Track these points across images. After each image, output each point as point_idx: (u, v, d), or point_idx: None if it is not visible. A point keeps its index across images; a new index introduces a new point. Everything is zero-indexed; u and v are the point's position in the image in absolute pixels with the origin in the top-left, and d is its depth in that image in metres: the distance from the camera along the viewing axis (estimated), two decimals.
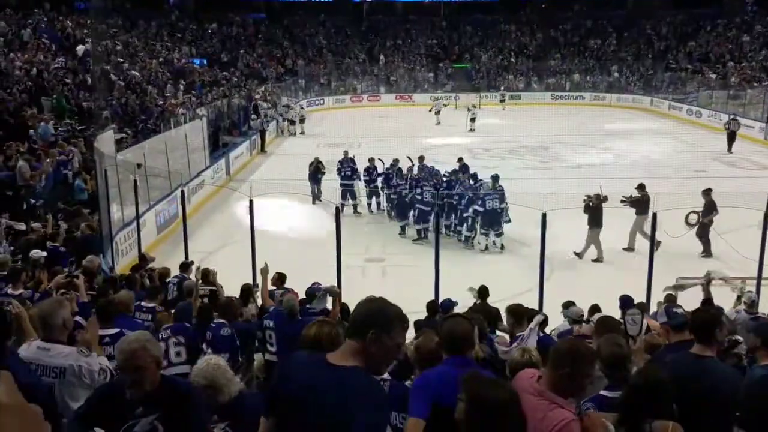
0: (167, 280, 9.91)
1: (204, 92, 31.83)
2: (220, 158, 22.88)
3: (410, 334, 5.92)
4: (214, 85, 34.77)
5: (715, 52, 43.03)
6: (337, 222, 11.08)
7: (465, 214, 14.97)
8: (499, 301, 7.99)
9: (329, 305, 8.25)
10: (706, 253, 13.88)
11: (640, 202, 14.19)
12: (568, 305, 7.93)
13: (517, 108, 40.18)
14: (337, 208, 11.61)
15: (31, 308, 5.15)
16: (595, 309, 8.04)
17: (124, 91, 23.72)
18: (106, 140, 16.10)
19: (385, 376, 3.55)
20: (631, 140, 29.09)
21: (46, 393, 3.48)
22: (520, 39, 50.91)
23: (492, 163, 22.44)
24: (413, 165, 17.76)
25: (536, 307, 8.88)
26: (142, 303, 7.52)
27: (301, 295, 8.91)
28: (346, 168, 18.40)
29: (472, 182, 15.98)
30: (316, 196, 18.66)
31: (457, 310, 8.16)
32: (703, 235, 13.98)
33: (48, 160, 14.67)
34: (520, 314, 6.34)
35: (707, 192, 14.23)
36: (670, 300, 8.24)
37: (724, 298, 8.19)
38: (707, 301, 7.56)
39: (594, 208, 13.96)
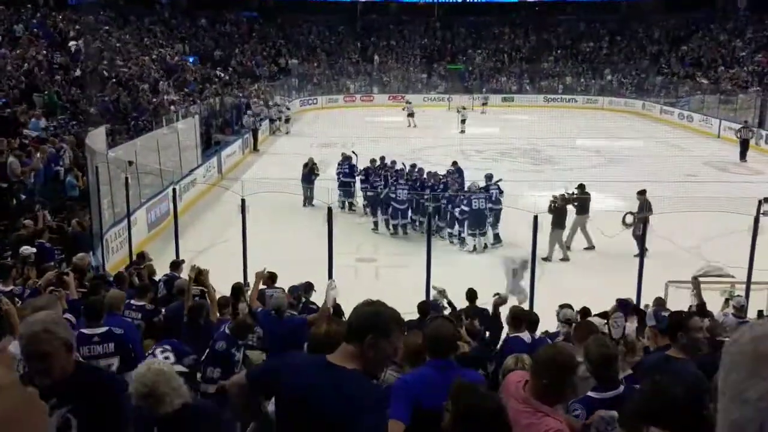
0: (157, 278, 9.89)
1: (197, 90, 31.74)
2: (212, 156, 22.83)
3: None
4: (206, 83, 34.69)
5: (707, 56, 43.24)
6: (329, 222, 11.08)
7: (456, 215, 15.04)
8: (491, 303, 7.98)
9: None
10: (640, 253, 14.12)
11: (579, 202, 14.52)
12: (563, 307, 7.95)
13: (509, 110, 40.28)
14: (329, 208, 11.60)
15: (22, 304, 5.14)
16: (585, 311, 8.07)
17: (116, 88, 23.63)
18: (97, 137, 16.04)
19: None
20: (623, 143, 29.19)
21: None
22: (514, 41, 51.02)
23: (484, 164, 22.44)
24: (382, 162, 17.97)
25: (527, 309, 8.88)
26: (132, 301, 7.50)
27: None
28: (345, 167, 18.45)
29: (459, 183, 16.22)
30: (309, 199, 18.24)
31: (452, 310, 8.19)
32: (637, 235, 14.03)
33: (39, 155, 14.60)
34: (518, 318, 6.34)
35: (642, 193, 14.48)
36: (660, 304, 8.28)
37: (713, 301, 8.22)
38: (700, 306, 7.58)
39: (558, 210, 14.14)
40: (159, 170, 17.32)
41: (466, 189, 15.82)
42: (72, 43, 25.97)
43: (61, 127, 18.06)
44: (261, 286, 9.24)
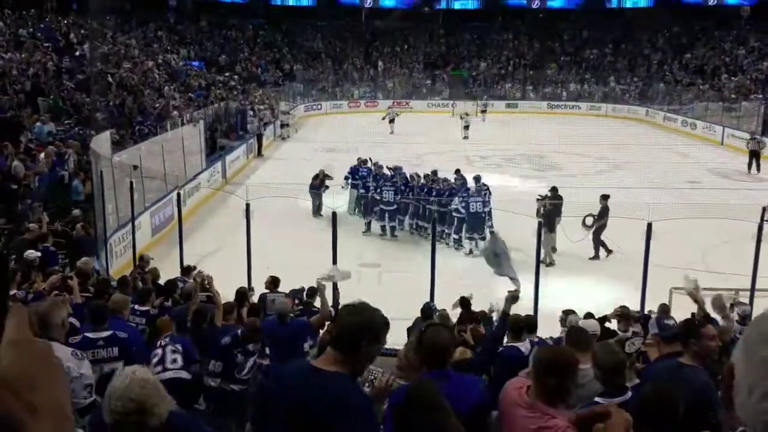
0: (161, 282, 9.90)
1: (202, 95, 31.82)
2: (216, 161, 22.88)
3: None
4: (211, 87, 34.77)
5: (710, 64, 43.25)
6: (334, 227, 11.10)
7: (453, 214, 15.24)
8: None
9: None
10: (595, 256, 14.56)
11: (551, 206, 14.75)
12: (568, 313, 7.94)
13: (513, 116, 40.30)
14: (334, 213, 11.62)
15: (28, 308, 5.14)
16: (589, 317, 8.05)
17: (120, 93, 23.71)
18: (102, 141, 16.09)
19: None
20: (626, 150, 29.18)
21: None
22: (518, 48, 51.08)
23: (489, 170, 22.49)
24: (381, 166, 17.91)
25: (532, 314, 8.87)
26: (135, 306, 7.47)
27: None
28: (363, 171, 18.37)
29: (454, 184, 16.36)
30: (318, 209, 17.88)
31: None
32: (595, 238, 14.53)
33: (45, 159, 14.64)
34: (518, 325, 6.32)
35: (604, 197, 14.63)
36: (664, 310, 8.26)
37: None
38: (706, 314, 7.56)
39: (547, 213, 14.30)
40: (163, 175, 17.36)
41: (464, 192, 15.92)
42: (78, 47, 26.06)
43: (66, 132, 18.11)
44: (264, 290, 9.29)
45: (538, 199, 15.01)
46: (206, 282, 8.07)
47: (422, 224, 16.07)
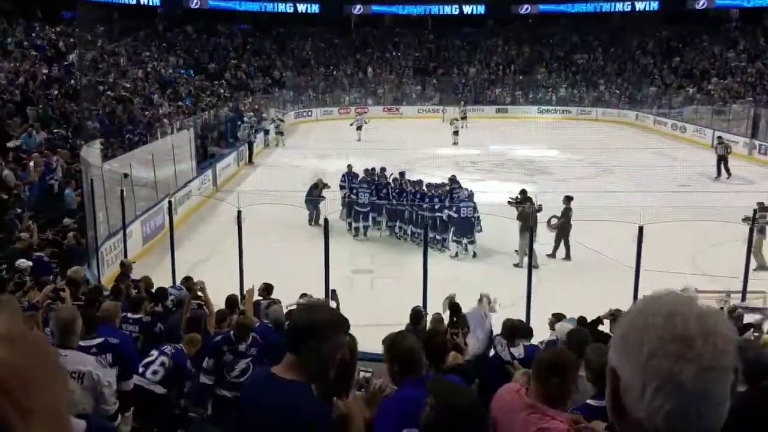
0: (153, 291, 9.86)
1: (191, 103, 31.78)
2: (207, 169, 22.83)
3: None
4: (201, 94, 34.73)
5: (699, 67, 43.54)
6: (326, 233, 11.08)
7: (444, 218, 15.44)
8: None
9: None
10: (552, 254, 15.01)
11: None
12: (557, 317, 7.95)
13: (505, 121, 40.43)
14: (326, 219, 11.62)
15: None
16: (582, 321, 8.07)
17: (110, 102, 23.66)
18: (92, 150, 16.04)
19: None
20: (616, 154, 29.31)
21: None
22: (508, 53, 51.27)
23: (478, 176, 22.56)
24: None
25: (523, 319, 8.89)
26: (128, 315, 7.45)
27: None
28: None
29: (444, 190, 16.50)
30: (315, 218, 17.56)
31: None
32: (557, 239, 14.96)
33: (35, 169, 14.60)
34: (512, 331, 6.32)
35: (567, 199, 14.96)
36: None
37: None
38: None
39: (526, 216, 14.48)
40: (154, 183, 17.30)
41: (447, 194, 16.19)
42: (67, 56, 25.99)
43: (56, 141, 18.04)
44: (257, 297, 9.27)
45: (509, 202, 15.40)
46: (199, 288, 8.07)
47: (416, 230, 16.12)
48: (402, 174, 17.59)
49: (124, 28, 41.23)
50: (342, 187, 18.28)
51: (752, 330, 7.84)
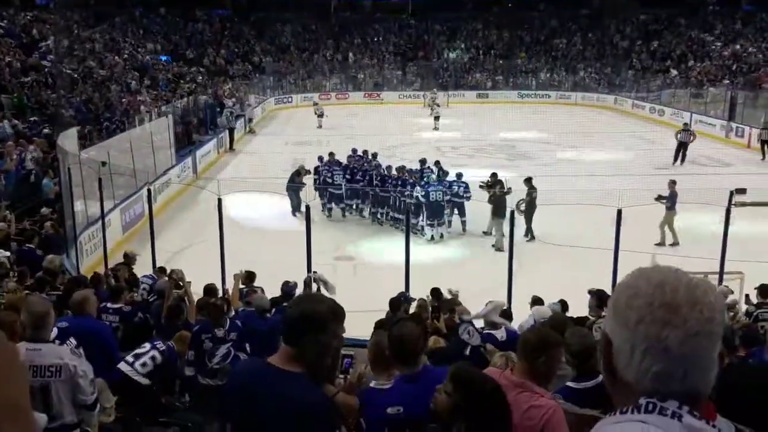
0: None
1: (169, 89, 31.46)
2: (186, 156, 22.64)
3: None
4: (179, 80, 34.38)
5: (677, 50, 43.80)
6: (307, 221, 11.07)
7: (402, 199, 15.67)
8: (470, 298, 8.04)
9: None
10: (525, 235, 15.13)
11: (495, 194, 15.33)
12: (536, 302, 8.02)
13: (485, 106, 40.46)
14: (307, 206, 11.59)
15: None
16: (563, 304, 8.16)
17: (86, 89, 23.36)
18: (69, 138, 15.85)
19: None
20: (595, 138, 29.48)
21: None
22: (488, 38, 51.22)
23: (460, 161, 22.58)
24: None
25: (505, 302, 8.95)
26: (108, 305, 7.39)
27: (277, 292, 8.97)
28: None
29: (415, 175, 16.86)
30: (296, 207, 17.21)
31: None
32: (526, 220, 15.21)
33: (13, 157, 14.44)
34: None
35: (528, 180, 15.35)
36: None
37: None
38: None
39: (498, 199, 14.85)
40: (133, 171, 17.14)
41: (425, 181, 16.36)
42: (42, 43, 25.59)
43: (31, 129, 17.80)
44: (240, 286, 9.25)
45: (480, 186, 15.69)
46: (177, 277, 8.04)
47: (394, 215, 16.21)
48: (390, 167, 17.62)
49: (101, 13, 40.61)
50: (316, 172, 18.09)
51: (726, 310, 7.95)
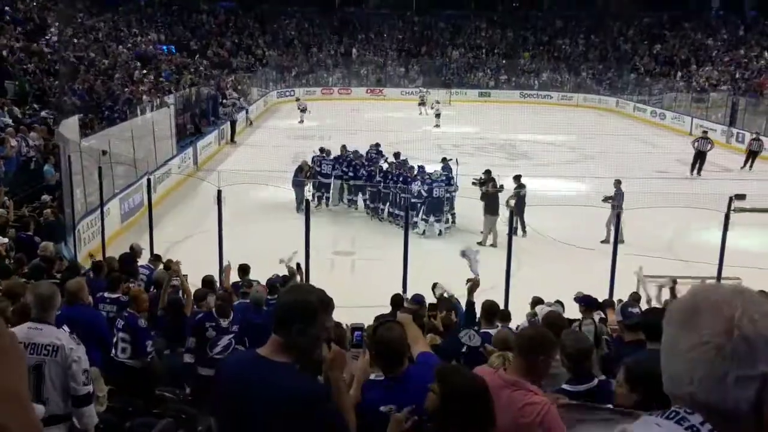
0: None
1: (172, 80, 31.41)
2: (187, 147, 22.64)
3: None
4: (182, 71, 34.31)
5: (680, 54, 43.76)
6: (307, 215, 11.07)
7: (403, 196, 15.70)
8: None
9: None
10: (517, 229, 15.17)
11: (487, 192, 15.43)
12: (536, 303, 8.03)
13: (487, 105, 40.47)
14: (306, 200, 11.59)
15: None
16: (561, 305, 8.17)
17: (89, 77, 23.32)
18: (70, 126, 15.83)
19: None
20: (597, 140, 29.45)
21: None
22: (491, 37, 51.15)
23: (462, 159, 22.53)
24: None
25: (501, 304, 8.95)
26: (105, 294, 7.38)
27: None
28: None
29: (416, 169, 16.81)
30: (301, 203, 16.74)
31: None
32: (518, 217, 15.32)
33: (13, 144, 14.42)
34: (490, 312, 6.37)
35: (517, 178, 15.67)
36: (635, 299, 8.39)
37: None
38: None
39: (490, 196, 14.96)
40: (133, 160, 17.13)
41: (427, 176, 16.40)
42: (46, 30, 25.54)
43: (31, 117, 17.75)
44: (235, 279, 9.27)
45: (473, 183, 15.80)
46: (174, 269, 8.06)
47: (394, 211, 16.25)
48: (397, 154, 17.98)
49: (105, 2, 40.48)
50: (336, 175, 18.09)
51: None
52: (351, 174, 17.71)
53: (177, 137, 23.03)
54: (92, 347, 5.24)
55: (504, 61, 48.31)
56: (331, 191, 17.94)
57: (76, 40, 27.33)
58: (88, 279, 7.80)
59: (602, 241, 14.38)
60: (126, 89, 24.93)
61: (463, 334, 5.81)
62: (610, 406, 3.04)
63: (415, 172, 16.37)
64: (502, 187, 15.25)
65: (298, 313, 2.41)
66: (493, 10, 53.04)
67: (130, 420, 5.25)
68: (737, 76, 37.84)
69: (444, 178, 16.17)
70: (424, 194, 15.46)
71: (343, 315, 5.88)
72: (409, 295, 8.82)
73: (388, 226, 16.19)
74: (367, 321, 5.97)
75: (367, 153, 19.03)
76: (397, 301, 8.04)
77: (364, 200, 17.48)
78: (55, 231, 11.79)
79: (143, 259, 10.42)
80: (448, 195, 15.78)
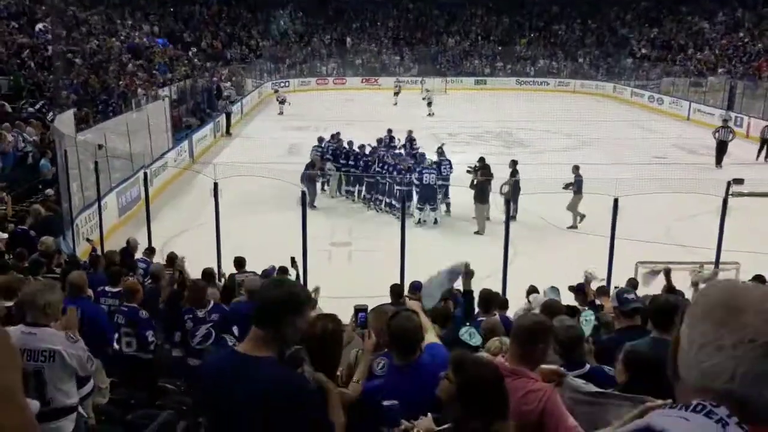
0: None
1: (166, 70, 31.29)
2: (183, 140, 22.59)
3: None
4: (176, 63, 34.18)
5: (677, 39, 43.64)
6: (303, 206, 11.08)
7: (398, 188, 15.82)
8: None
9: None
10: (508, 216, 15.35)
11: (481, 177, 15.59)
12: (532, 291, 8.04)
13: (483, 93, 40.41)
14: (303, 192, 11.58)
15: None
16: (557, 292, 8.15)
17: (83, 71, 23.22)
18: (65, 120, 15.78)
19: None
20: (594, 126, 29.42)
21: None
22: (487, 23, 50.97)
23: (458, 147, 22.56)
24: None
25: (499, 292, 8.97)
26: (106, 288, 7.37)
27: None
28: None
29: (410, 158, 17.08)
30: (312, 202, 16.44)
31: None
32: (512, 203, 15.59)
33: (9, 139, 14.39)
34: (488, 301, 6.38)
35: (513, 163, 15.96)
36: (633, 285, 8.39)
37: (683, 285, 8.37)
38: (670, 289, 7.75)
39: (480, 185, 15.13)
40: (129, 154, 17.08)
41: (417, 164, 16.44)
42: (38, 24, 25.40)
43: (21, 111, 17.67)
44: (232, 271, 9.29)
45: (467, 171, 16.02)
46: (179, 266, 8.05)
47: (389, 201, 16.30)
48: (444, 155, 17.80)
49: None
50: (336, 166, 18.20)
51: None
52: (352, 164, 17.74)
53: (172, 130, 22.97)
54: (94, 341, 5.25)
55: (500, 48, 48.15)
56: (330, 181, 18.02)
57: (70, 34, 27.15)
58: (87, 273, 7.79)
59: (570, 227, 15.05)
60: (120, 82, 24.84)
61: (464, 332, 5.78)
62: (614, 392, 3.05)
63: (410, 163, 16.41)
64: (492, 176, 15.37)
65: (290, 307, 2.43)
66: None
67: (132, 412, 5.27)
68: (734, 59, 37.77)
69: (434, 165, 16.18)
70: (415, 182, 15.52)
71: (342, 306, 5.89)
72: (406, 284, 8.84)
73: (385, 217, 16.19)
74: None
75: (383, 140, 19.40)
76: (397, 290, 8.05)
77: (360, 191, 17.48)
78: (53, 225, 11.76)
79: (138, 253, 10.44)
80: (440, 182, 15.81)
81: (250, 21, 48.63)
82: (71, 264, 8.26)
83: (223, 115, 28.21)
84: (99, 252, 10.43)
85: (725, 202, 10.74)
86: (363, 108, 33.84)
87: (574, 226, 15.15)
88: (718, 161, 21.74)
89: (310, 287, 8.12)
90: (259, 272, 9.10)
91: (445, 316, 6.87)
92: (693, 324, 1.21)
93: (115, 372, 5.99)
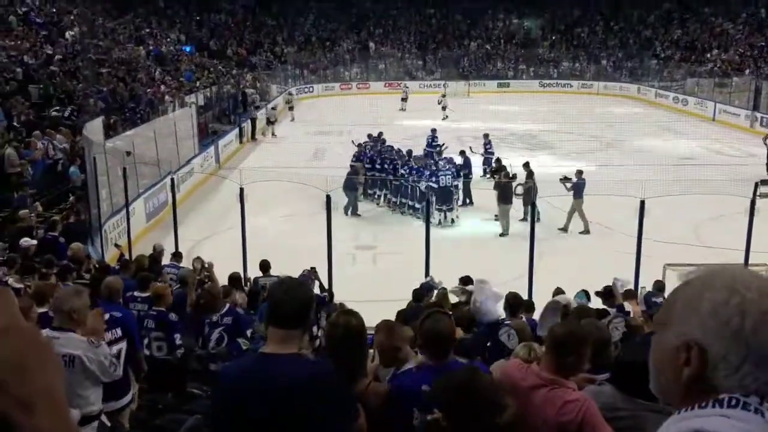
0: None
1: (194, 80, 31.64)
2: (209, 146, 22.83)
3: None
4: (202, 71, 34.55)
5: (701, 39, 43.15)
6: (328, 210, 11.14)
7: (422, 189, 15.84)
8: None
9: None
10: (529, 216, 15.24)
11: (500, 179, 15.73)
12: (557, 293, 8.00)
13: (507, 95, 40.25)
14: (328, 196, 11.65)
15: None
16: (587, 295, 8.14)
17: (111, 79, 23.58)
18: (94, 128, 16.03)
19: None
20: (618, 128, 29.19)
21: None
22: (509, 27, 50.81)
23: (481, 150, 22.48)
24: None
25: (525, 294, 8.95)
26: (135, 293, 7.45)
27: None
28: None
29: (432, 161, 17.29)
30: (353, 208, 16.67)
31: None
32: (524, 203, 15.37)
33: (39, 147, 14.64)
34: (514, 305, 6.36)
35: (526, 165, 16.08)
36: (659, 288, 8.32)
37: None
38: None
39: (503, 186, 15.16)
40: (157, 160, 17.31)
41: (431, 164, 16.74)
42: (68, 33, 25.86)
43: (50, 119, 17.96)
44: (257, 274, 9.37)
45: (485, 173, 16.49)
46: (207, 271, 8.14)
47: (412, 203, 16.43)
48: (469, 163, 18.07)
49: (124, 4, 40.86)
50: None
51: None
52: (378, 167, 17.87)
53: (199, 136, 23.23)
54: (126, 345, 5.37)
55: (522, 51, 47.97)
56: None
57: (98, 43, 27.60)
58: None
59: (581, 232, 14.84)
60: (148, 90, 25.18)
61: (503, 332, 5.78)
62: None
63: (433, 167, 16.45)
64: (515, 175, 15.48)
65: (311, 308, 2.60)
66: (510, 0, 52.58)
67: (160, 417, 5.34)
68: (759, 59, 37.22)
69: (451, 167, 16.32)
70: (433, 185, 15.61)
71: (367, 309, 5.93)
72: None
73: (408, 219, 16.22)
74: (391, 315, 6.02)
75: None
76: (418, 295, 8.07)
77: (385, 194, 17.49)
78: (81, 231, 11.95)
79: (165, 258, 10.55)
80: (456, 184, 16.03)
81: (274, 28, 49.00)
82: (101, 270, 8.37)
83: (248, 121, 28.43)
84: (127, 257, 10.58)
85: (753, 203, 10.62)
86: (386, 112, 33.88)
87: (586, 231, 14.99)
88: None
89: (335, 290, 8.20)
90: (284, 276, 9.16)
91: (470, 321, 6.87)
92: (733, 335, 1.12)
93: (147, 378, 6.05)
